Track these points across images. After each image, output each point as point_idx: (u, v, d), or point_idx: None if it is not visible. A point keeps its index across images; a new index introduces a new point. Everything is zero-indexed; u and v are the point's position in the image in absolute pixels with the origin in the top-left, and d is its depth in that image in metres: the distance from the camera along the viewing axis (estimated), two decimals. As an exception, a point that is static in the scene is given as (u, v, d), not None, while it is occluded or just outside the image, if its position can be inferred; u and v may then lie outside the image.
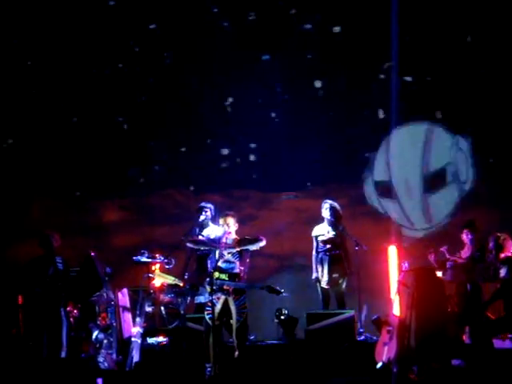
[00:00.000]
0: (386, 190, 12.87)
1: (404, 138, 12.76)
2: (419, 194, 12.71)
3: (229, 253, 10.08)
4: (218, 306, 9.97)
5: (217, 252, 10.06)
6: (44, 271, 10.64)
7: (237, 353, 9.91)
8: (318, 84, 13.47)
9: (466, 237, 10.86)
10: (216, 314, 9.89)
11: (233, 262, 10.07)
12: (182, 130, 14.08)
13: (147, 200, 14.39)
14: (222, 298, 9.98)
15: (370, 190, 12.97)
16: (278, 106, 13.62)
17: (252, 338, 11.18)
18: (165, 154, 14.39)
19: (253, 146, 13.96)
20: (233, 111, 13.94)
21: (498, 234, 10.13)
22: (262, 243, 10.02)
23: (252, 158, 13.92)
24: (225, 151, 13.99)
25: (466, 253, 10.84)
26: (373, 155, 12.91)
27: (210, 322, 9.89)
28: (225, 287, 9.95)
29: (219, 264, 10.06)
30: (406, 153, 12.71)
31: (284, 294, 10.08)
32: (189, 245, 10.49)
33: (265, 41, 13.59)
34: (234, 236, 10.14)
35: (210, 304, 9.94)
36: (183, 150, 14.30)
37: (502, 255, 9.97)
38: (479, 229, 10.94)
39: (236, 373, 9.92)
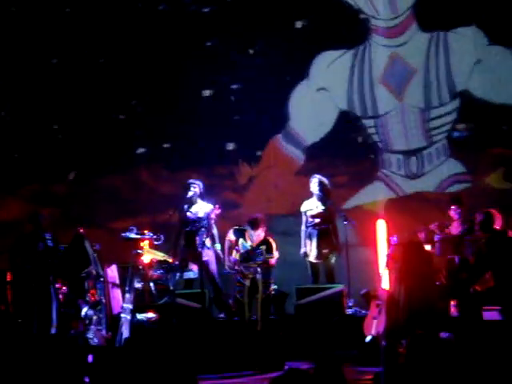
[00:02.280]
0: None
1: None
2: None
3: (251, 246, 10.59)
4: (247, 284, 10.41)
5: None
6: (33, 248, 10.63)
7: (260, 325, 10.27)
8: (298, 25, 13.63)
9: (453, 213, 10.87)
10: (246, 292, 10.38)
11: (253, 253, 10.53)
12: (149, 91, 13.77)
13: (101, 182, 13.90)
14: (250, 276, 10.42)
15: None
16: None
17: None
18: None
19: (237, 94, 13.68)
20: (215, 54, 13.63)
21: (488, 209, 10.13)
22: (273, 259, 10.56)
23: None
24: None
25: (456, 228, 10.84)
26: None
27: (240, 299, 10.42)
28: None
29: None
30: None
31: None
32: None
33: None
34: (261, 236, 10.62)
35: (238, 284, 10.46)
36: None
37: (491, 229, 9.98)
38: (466, 203, 11.00)
39: (226, 348, 10.00)
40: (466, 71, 13.02)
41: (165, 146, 13.78)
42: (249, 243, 10.56)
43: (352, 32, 13.36)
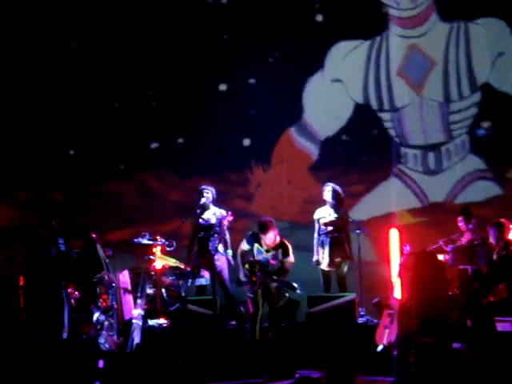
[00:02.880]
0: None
1: None
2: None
3: (267, 250, 10.44)
4: (259, 291, 10.33)
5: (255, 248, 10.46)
6: (46, 252, 10.64)
7: (271, 333, 10.22)
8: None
9: (461, 224, 10.82)
10: (259, 298, 10.31)
11: (268, 259, 10.40)
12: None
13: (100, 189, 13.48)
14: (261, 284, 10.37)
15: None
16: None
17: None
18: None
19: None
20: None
21: (500, 220, 10.10)
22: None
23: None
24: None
25: (466, 239, 10.80)
26: None
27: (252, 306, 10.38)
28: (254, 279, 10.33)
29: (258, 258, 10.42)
30: None
31: (298, 291, 10.61)
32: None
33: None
34: (274, 239, 10.44)
35: (250, 294, 10.39)
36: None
37: (503, 239, 9.93)
38: (473, 214, 10.91)
39: (237, 355, 9.97)
40: (488, 64, 12.65)
41: (179, 140, 13.43)
42: (264, 248, 10.51)
43: (369, 22, 12.97)
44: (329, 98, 13.16)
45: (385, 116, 13.06)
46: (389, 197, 12.82)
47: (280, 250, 10.45)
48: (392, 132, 13.04)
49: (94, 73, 13.46)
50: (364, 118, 13.08)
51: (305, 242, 11.84)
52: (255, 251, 10.50)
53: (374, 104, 13.09)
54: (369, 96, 13.08)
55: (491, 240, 9.99)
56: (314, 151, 13.19)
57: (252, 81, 13.32)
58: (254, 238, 10.56)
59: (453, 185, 12.77)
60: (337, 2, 13.07)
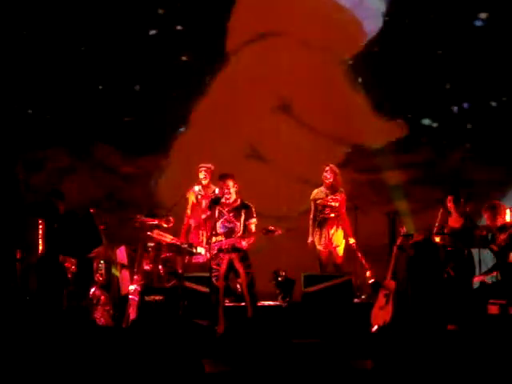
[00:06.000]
0: None
1: None
2: None
3: (229, 212, 10.09)
4: (223, 267, 10.06)
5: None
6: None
7: (250, 311, 10.01)
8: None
9: (451, 204, 10.71)
10: (221, 275, 10.02)
11: (232, 222, 10.09)
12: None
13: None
14: (226, 258, 10.05)
15: None
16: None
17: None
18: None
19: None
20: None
21: (494, 202, 10.10)
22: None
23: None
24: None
25: (454, 220, 10.71)
26: None
27: (215, 283, 10.00)
28: (222, 247, 9.98)
29: (217, 226, 10.07)
30: None
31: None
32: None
33: None
34: (234, 197, 10.12)
35: (215, 267, 10.01)
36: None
37: (499, 222, 9.93)
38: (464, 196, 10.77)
39: (235, 334, 10.00)
40: None
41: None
42: (225, 209, 10.08)
43: None
44: None
45: None
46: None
47: (243, 211, 10.07)
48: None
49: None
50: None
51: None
52: (217, 215, 10.11)
53: None
54: None
55: (488, 222, 9.99)
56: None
57: None
58: (215, 202, 10.16)
59: None
60: None
